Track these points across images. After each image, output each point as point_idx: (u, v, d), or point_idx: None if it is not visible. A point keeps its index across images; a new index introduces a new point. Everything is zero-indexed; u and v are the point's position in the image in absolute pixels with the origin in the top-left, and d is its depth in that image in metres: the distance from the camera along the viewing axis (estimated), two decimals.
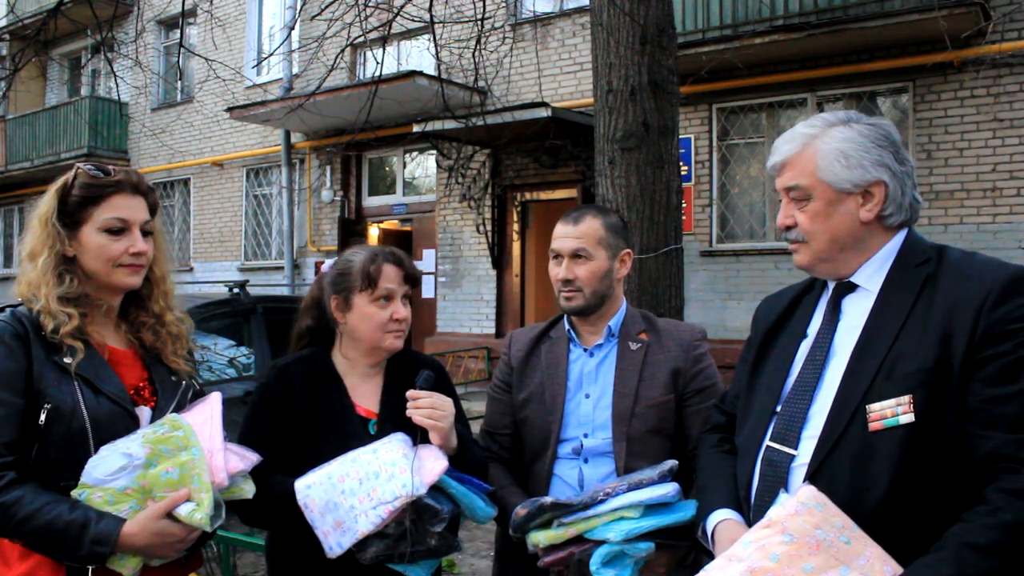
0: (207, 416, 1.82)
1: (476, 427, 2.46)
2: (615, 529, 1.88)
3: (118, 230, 1.84)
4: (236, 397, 5.72)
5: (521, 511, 1.99)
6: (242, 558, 4.57)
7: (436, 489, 1.93)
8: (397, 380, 2.14)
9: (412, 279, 2.13)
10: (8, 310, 1.80)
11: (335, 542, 1.88)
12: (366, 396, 2.13)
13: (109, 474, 1.68)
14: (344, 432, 2.03)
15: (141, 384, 1.88)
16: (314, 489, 1.89)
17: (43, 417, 1.69)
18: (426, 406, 1.96)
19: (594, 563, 1.88)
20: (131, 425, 1.78)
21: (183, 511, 1.68)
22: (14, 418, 1.68)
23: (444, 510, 1.90)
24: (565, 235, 2.23)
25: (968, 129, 8.17)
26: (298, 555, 2.02)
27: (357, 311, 2.08)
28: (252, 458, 1.86)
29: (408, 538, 1.89)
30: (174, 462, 1.71)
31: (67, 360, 1.74)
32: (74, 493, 1.68)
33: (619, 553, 1.88)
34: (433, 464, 1.91)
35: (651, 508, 1.90)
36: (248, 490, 1.83)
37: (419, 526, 1.90)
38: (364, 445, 1.97)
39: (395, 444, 1.94)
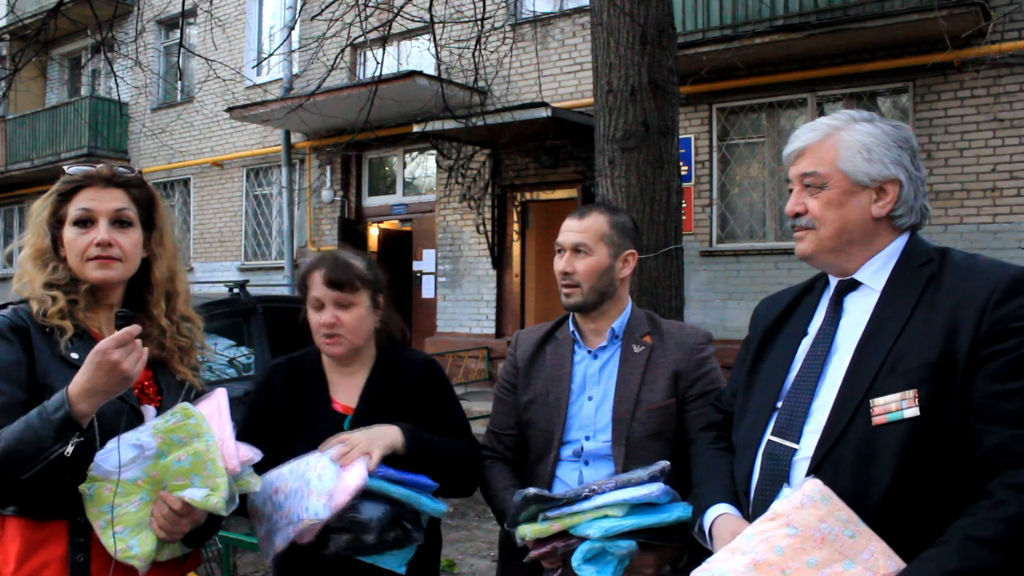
0: (214, 409, 1.82)
1: (475, 427, 2.45)
2: (596, 526, 1.85)
3: (84, 222, 1.81)
4: (236, 397, 5.71)
5: (512, 503, 1.98)
6: (242, 558, 4.57)
7: (372, 495, 1.91)
8: (380, 377, 2.16)
9: (338, 284, 2.11)
10: (9, 307, 1.81)
11: (264, 550, 2.00)
12: (346, 392, 2.16)
13: (119, 466, 1.66)
14: (317, 428, 2.05)
15: (146, 383, 1.88)
16: (257, 497, 1.96)
17: None
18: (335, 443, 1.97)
19: (576, 559, 1.87)
20: (136, 422, 1.77)
21: (197, 496, 1.65)
22: (14, 408, 1.64)
23: (373, 520, 1.90)
24: (569, 228, 2.24)
25: (968, 129, 8.18)
26: (300, 554, 2.02)
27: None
28: (258, 452, 1.86)
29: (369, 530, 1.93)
30: (187, 450, 1.69)
31: (74, 356, 1.72)
32: (82, 487, 1.66)
33: (601, 551, 1.86)
34: (348, 482, 1.88)
35: (636, 507, 1.87)
36: (255, 483, 1.82)
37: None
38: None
39: (325, 459, 1.93)
